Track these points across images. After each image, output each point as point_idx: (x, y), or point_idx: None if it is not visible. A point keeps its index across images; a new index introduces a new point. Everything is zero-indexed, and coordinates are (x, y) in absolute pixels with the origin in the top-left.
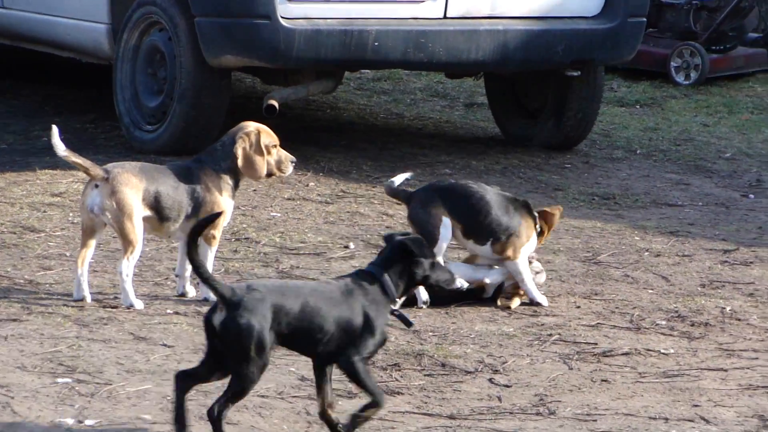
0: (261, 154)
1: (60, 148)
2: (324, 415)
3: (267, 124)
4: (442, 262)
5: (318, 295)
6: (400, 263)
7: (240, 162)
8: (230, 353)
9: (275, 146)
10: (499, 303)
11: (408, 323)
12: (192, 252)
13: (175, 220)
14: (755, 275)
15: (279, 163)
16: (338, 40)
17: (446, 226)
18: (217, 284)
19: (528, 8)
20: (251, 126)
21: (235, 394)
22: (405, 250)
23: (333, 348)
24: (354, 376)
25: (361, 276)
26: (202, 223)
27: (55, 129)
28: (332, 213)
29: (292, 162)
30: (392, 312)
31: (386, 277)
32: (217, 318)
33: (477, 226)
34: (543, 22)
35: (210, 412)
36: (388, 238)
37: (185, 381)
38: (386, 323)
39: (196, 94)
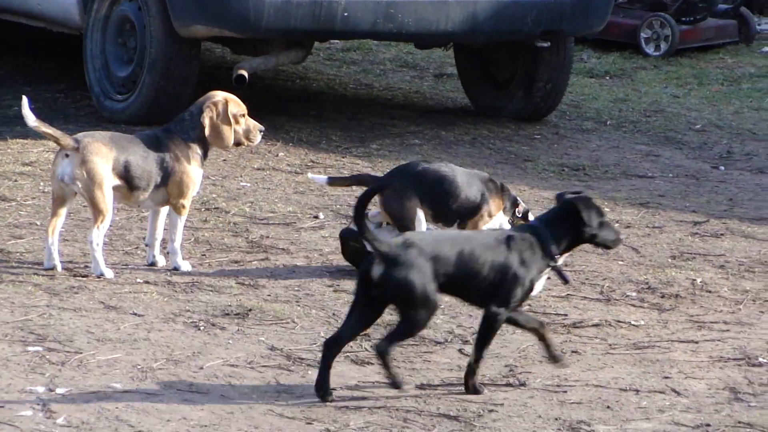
0: (228, 123)
1: (30, 118)
2: None
3: (236, 93)
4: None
5: (473, 243)
6: (566, 221)
7: (207, 131)
8: (396, 303)
9: (243, 115)
10: None
11: (565, 280)
12: (359, 213)
13: (145, 190)
14: (726, 247)
15: (247, 132)
16: (308, 10)
17: (420, 219)
18: (376, 240)
19: None
20: (219, 95)
21: (402, 333)
22: (573, 209)
23: (485, 295)
24: (487, 330)
25: (522, 228)
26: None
27: (25, 99)
28: (302, 183)
29: (260, 131)
30: (551, 267)
31: (547, 231)
32: (376, 271)
33: (446, 211)
34: None
35: (378, 348)
36: (559, 196)
37: (333, 348)
38: (536, 277)
39: (166, 63)
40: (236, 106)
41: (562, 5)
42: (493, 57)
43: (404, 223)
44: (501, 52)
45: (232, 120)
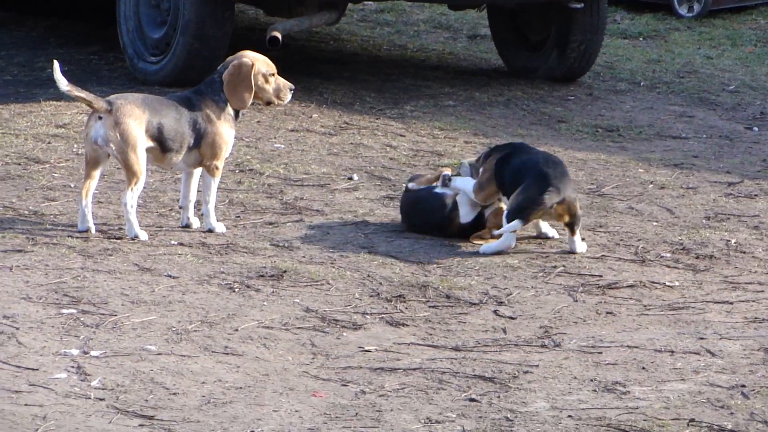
0: (248, 84)
1: (62, 82)
2: None
3: (269, 55)
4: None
5: None
6: None
7: (225, 90)
8: None
9: (273, 74)
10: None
11: None
12: None
13: (178, 152)
14: (760, 208)
15: (277, 91)
16: None
17: None
18: None
19: None
20: (247, 55)
21: None
22: None
23: None
24: None
25: None
26: None
27: (56, 64)
28: (336, 144)
29: (290, 89)
30: None
31: None
32: None
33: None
34: None
35: None
36: None
37: None
38: None
39: (199, 25)
40: (265, 65)
41: None
42: (526, 18)
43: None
44: (534, 14)
45: (261, 79)
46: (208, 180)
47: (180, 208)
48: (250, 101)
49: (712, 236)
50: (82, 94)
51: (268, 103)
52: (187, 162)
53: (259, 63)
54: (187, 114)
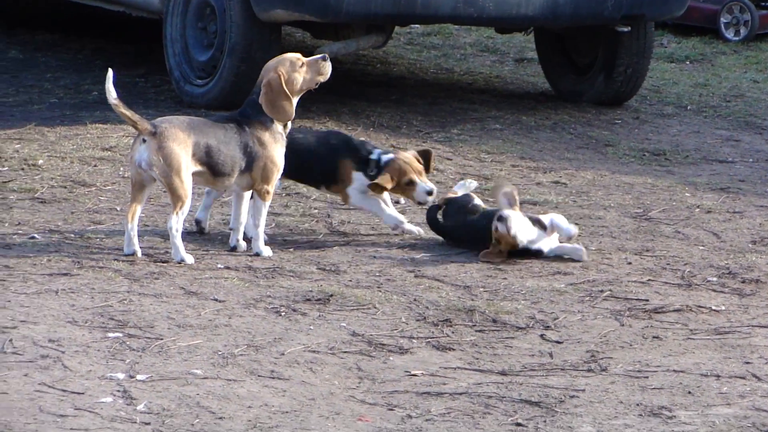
0: (286, 95)
1: (112, 94)
2: None
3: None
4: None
5: None
6: None
7: (267, 111)
8: None
9: (302, 65)
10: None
11: None
12: None
13: (230, 175)
14: None
15: (314, 72)
16: None
17: None
18: None
19: None
20: (270, 69)
21: None
22: None
23: None
24: None
25: None
26: None
27: (110, 72)
28: None
29: (324, 59)
30: None
31: None
32: None
33: None
34: None
35: None
36: None
37: None
38: None
39: (246, 48)
40: (288, 64)
41: None
42: (573, 42)
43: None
44: (581, 37)
45: (293, 79)
46: (258, 204)
47: (230, 230)
48: (294, 108)
49: (759, 260)
50: (128, 112)
51: (315, 87)
52: (239, 185)
53: (283, 66)
54: (237, 137)
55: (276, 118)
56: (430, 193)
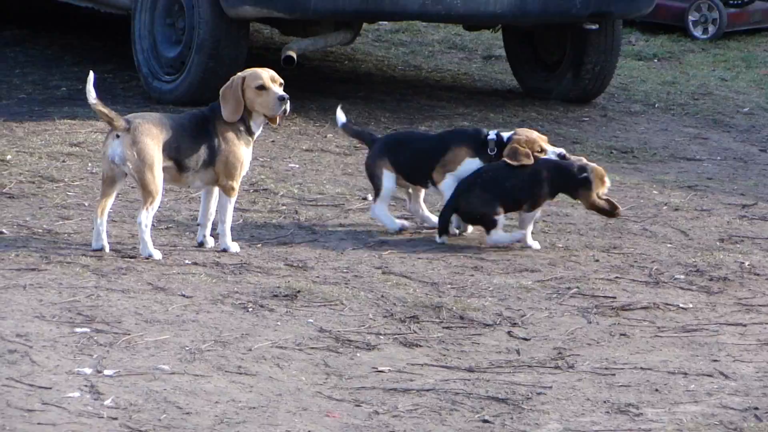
0: (235, 98)
1: (92, 95)
2: None
3: (284, 74)
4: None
5: None
6: None
7: (221, 105)
8: None
9: (263, 87)
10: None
11: None
12: None
13: (194, 170)
14: None
15: (266, 103)
16: None
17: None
18: None
19: None
20: (247, 71)
21: None
22: None
23: None
24: None
25: None
26: None
27: (91, 74)
28: (350, 164)
29: (280, 99)
30: None
31: None
32: None
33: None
34: None
35: None
36: None
37: None
38: None
39: (214, 44)
40: (254, 78)
41: None
42: (541, 39)
43: (374, 181)
44: (549, 35)
45: (251, 92)
46: (224, 200)
47: (198, 225)
48: (238, 115)
49: (726, 258)
50: (106, 110)
51: (269, 118)
52: (202, 180)
53: (251, 77)
54: (203, 132)
55: (223, 114)
56: (562, 157)
